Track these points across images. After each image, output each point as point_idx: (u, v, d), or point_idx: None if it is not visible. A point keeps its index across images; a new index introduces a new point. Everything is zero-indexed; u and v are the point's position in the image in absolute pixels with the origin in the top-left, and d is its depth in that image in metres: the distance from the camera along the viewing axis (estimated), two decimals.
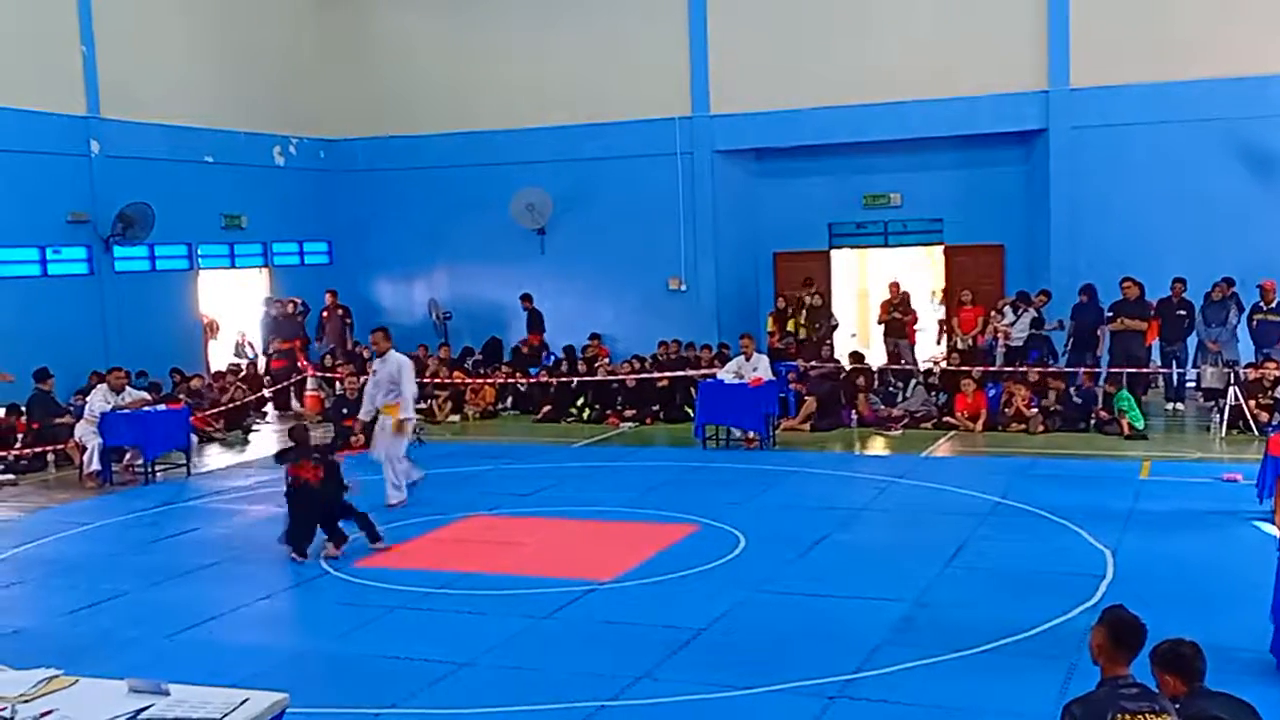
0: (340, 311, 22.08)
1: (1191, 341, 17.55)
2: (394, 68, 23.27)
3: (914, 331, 20.29)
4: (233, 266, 22.15)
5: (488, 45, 22.56)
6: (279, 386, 19.82)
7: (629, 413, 18.54)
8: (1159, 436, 15.80)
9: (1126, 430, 15.55)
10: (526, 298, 21.96)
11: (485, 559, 10.69)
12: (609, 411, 18.73)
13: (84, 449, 14.99)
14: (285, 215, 22.82)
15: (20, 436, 16.13)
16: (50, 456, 16.07)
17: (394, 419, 12.81)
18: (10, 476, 15.29)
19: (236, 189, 21.59)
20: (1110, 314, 17.55)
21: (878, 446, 16.15)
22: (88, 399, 15.36)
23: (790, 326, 19.92)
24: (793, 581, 9.68)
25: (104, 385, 15.24)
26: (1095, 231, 19.22)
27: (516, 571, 10.23)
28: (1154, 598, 7.84)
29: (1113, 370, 16.84)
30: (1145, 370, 17.28)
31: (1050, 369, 17.28)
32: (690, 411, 17.37)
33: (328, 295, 22.09)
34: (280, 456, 11.45)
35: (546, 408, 19.20)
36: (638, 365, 19.27)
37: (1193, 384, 17.69)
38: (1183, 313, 17.35)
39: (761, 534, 11.12)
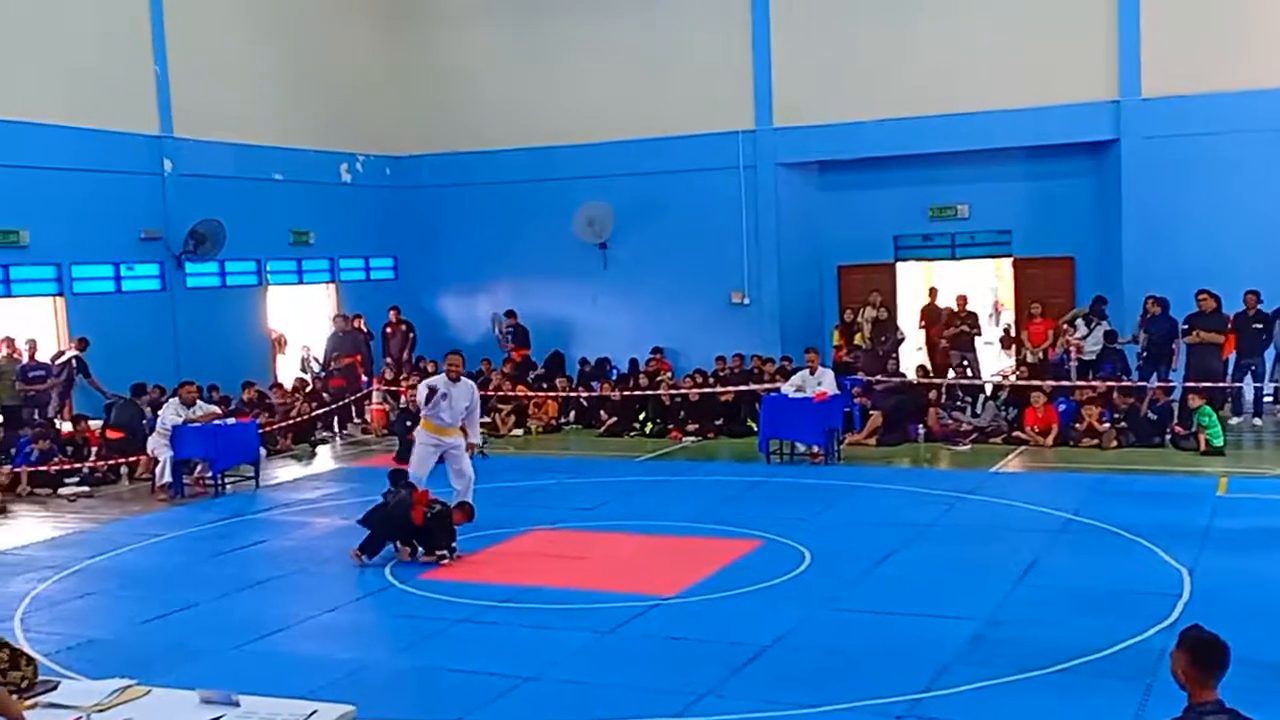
0: (404, 327, 22.26)
1: (1270, 355, 17.16)
2: (458, 86, 23.46)
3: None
4: (300, 282, 22.44)
5: (551, 62, 22.68)
6: (341, 402, 19.97)
7: (692, 427, 18.47)
8: (1236, 452, 15.43)
9: (1203, 446, 15.21)
10: (511, 314, 22.24)
11: (549, 573, 10.68)
12: (671, 426, 18.68)
13: (156, 462, 15.21)
14: (352, 231, 23.08)
15: (95, 449, 16.41)
16: (124, 469, 16.33)
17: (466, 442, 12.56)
18: (85, 488, 15.55)
19: (304, 206, 21.88)
20: (1185, 327, 17.20)
21: (945, 462, 15.94)
22: (159, 413, 15.59)
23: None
24: (859, 598, 9.57)
25: (175, 399, 15.45)
26: (1168, 243, 18.85)
27: (580, 586, 10.21)
28: (1233, 618, 7.61)
29: (1188, 385, 16.48)
30: (1222, 384, 16.90)
31: (1123, 383, 16.98)
32: (754, 426, 17.28)
33: (391, 311, 22.30)
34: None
35: (610, 421, 19.20)
36: (700, 379, 19.22)
37: (1270, 398, 17.29)
38: (1259, 325, 16.97)
39: (827, 550, 11.00)
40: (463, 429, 12.33)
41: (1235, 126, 18.57)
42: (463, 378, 12.39)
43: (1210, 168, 18.76)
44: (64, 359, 17.67)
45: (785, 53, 21.16)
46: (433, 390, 12.11)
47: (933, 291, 20.88)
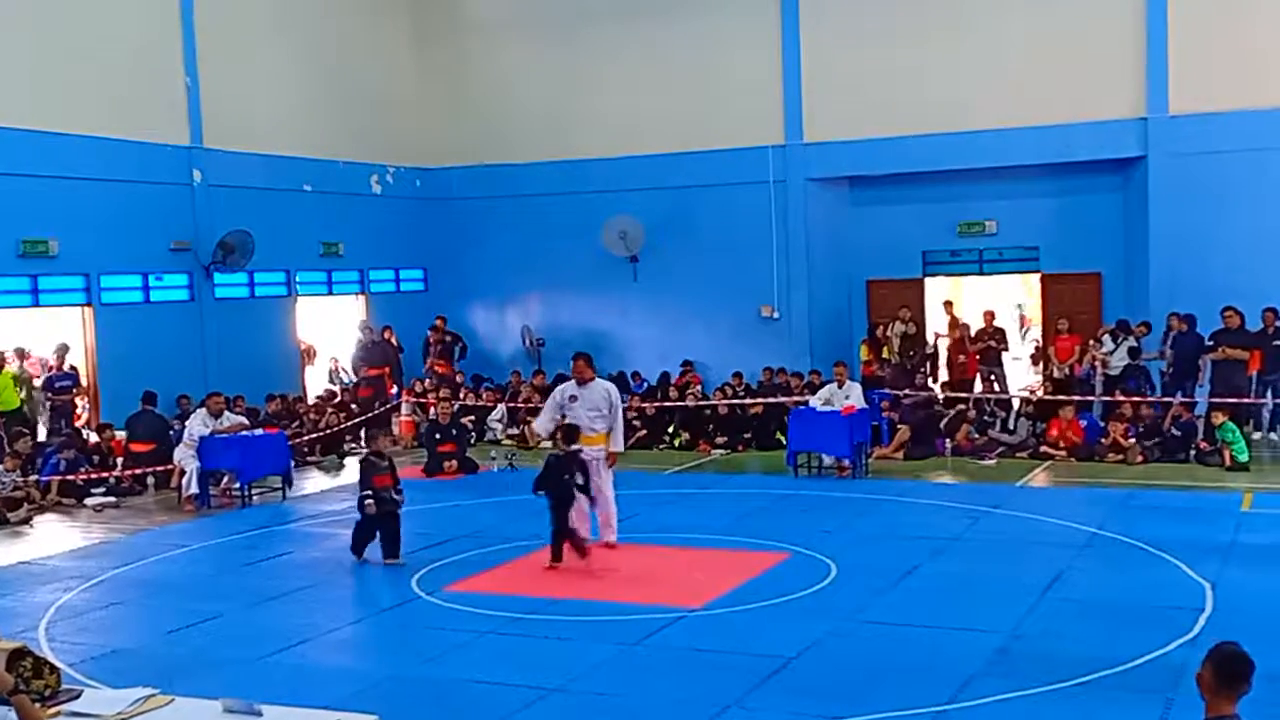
0: (449, 338, 22.31)
1: None
2: (489, 98, 23.56)
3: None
4: (330, 293, 22.55)
5: (582, 75, 22.75)
6: (368, 415, 20.03)
7: (720, 440, 18.47)
8: (1260, 468, 15.33)
9: (1228, 461, 15.13)
10: (440, 320, 22.36)
11: (575, 585, 10.69)
12: (700, 439, 18.67)
13: (183, 472, 15.28)
14: (382, 243, 23.18)
15: (120, 460, 16.47)
16: (150, 480, 16.42)
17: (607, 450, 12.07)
18: (111, 499, 15.60)
19: (334, 217, 21.99)
20: (1211, 343, 17.14)
21: (972, 476, 15.87)
22: (187, 423, 15.66)
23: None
24: (884, 611, 9.55)
25: (203, 410, 15.52)
26: (1195, 260, 18.72)
27: (606, 598, 10.22)
28: (1256, 632, 7.55)
29: (1213, 400, 16.39)
30: (1247, 400, 16.80)
31: (1146, 398, 16.94)
32: (782, 439, 17.26)
33: (437, 320, 22.38)
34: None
35: (639, 433, 19.20)
36: (730, 392, 19.21)
37: None
38: (1278, 343, 16.87)
39: (853, 563, 10.99)
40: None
41: (1263, 144, 18.46)
42: (596, 379, 12.16)
43: (1238, 184, 18.65)
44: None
45: (815, 68, 21.15)
46: (572, 398, 12.01)
47: (948, 304, 20.77)
